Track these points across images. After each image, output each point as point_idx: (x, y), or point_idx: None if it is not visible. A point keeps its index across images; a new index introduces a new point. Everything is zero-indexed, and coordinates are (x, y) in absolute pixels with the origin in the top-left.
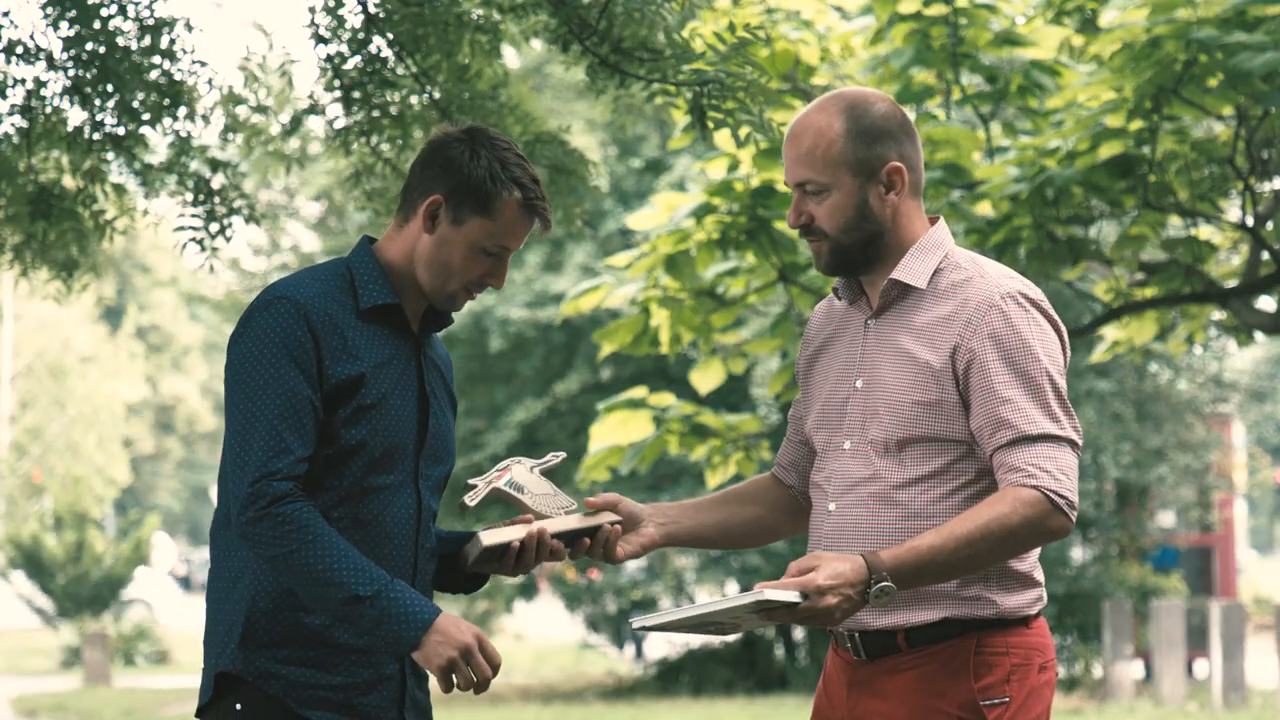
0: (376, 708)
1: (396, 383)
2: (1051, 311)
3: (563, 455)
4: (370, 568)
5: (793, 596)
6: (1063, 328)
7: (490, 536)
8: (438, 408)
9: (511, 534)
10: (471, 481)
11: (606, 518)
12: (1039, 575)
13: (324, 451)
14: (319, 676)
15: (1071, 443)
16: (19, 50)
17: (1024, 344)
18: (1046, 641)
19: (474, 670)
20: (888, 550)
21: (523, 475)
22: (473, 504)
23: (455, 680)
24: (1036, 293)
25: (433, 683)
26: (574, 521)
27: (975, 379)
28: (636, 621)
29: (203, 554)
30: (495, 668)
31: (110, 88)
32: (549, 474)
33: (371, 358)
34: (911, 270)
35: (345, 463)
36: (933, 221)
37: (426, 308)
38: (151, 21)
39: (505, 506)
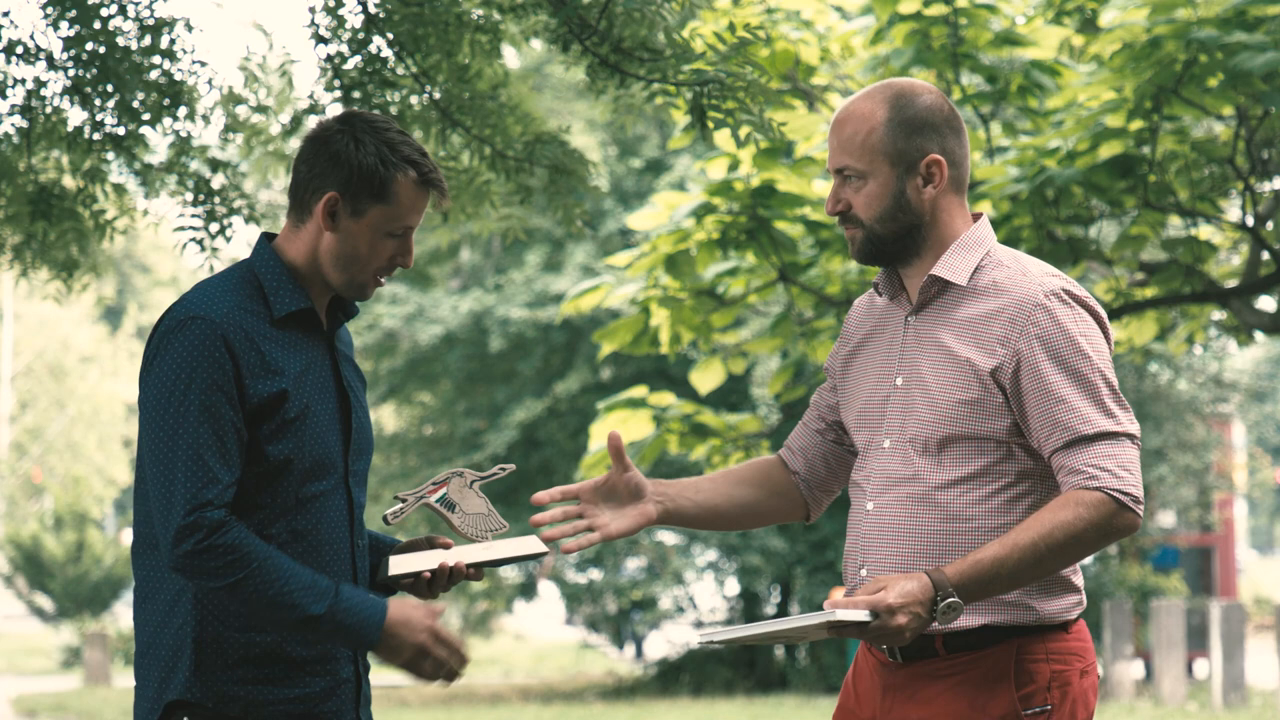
0: (335, 713)
1: (317, 388)
2: (1096, 306)
3: (510, 468)
4: (318, 581)
5: (863, 616)
6: (1106, 321)
7: (398, 564)
8: (356, 402)
9: (421, 564)
10: (401, 495)
11: (535, 548)
12: (1079, 579)
13: (253, 469)
14: (279, 692)
15: (1130, 436)
16: (19, 50)
17: (1073, 343)
18: (1086, 645)
19: (437, 663)
20: (951, 565)
21: (459, 491)
22: (394, 521)
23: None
24: (1079, 289)
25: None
26: (498, 550)
27: (1026, 381)
28: (703, 635)
29: None
30: (459, 658)
31: (110, 88)
32: (489, 488)
33: (292, 369)
34: (952, 266)
35: (277, 478)
36: (975, 218)
37: (331, 300)
38: (151, 21)
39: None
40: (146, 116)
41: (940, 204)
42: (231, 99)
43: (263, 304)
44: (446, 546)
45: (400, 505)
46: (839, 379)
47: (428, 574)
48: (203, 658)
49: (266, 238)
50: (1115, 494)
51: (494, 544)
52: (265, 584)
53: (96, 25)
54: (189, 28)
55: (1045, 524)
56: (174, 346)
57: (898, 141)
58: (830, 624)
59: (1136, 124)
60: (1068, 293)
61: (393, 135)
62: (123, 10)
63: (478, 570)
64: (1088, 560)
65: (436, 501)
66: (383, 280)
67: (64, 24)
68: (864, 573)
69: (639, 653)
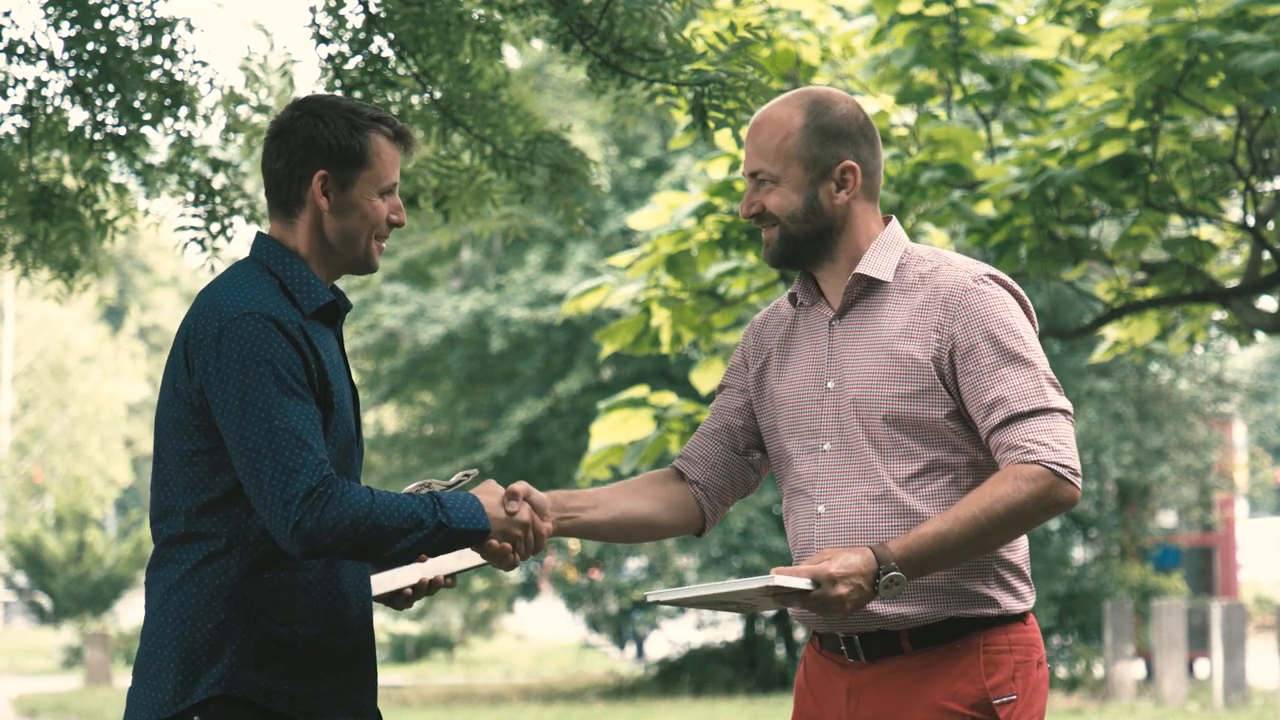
0: (368, 702)
1: (342, 380)
2: (1020, 291)
3: (474, 473)
4: (415, 498)
5: (804, 584)
6: (1030, 304)
7: (380, 583)
8: (358, 397)
9: (401, 581)
10: None
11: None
12: (1028, 570)
13: None
14: (322, 684)
15: (1064, 412)
16: (20, 50)
17: (1004, 323)
18: (1039, 637)
19: (526, 546)
20: (895, 541)
21: None
22: None
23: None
24: (1002, 274)
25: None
26: (470, 557)
27: (962, 364)
28: (652, 595)
29: None
30: (541, 536)
31: (111, 88)
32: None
33: (328, 360)
34: (876, 264)
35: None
36: (886, 221)
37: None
38: (153, 21)
39: None
40: (147, 116)
41: (854, 210)
42: (232, 99)
43: (289, 300)
44: (423, 559)
45: None
46: (755, 394)
47: (409, 590)
48: (248, 653)
49: (267, 236)
50: (1053, 466)
51: (466, 552)
52: (385, 522)
53: (97, 25)
54: (190, 28)
55: (986, 497)
56: (236, 341)
57: (812, 147)
58: (770, 588)
59: (1137, 124)
60: (993, 277)
61: (350, 103)
62: (124, 10)
63: (453, 578)
64: (1087, 559)
65: None
66: (383, 244)
67: (65, 24)
68: None
69: (640, 653)
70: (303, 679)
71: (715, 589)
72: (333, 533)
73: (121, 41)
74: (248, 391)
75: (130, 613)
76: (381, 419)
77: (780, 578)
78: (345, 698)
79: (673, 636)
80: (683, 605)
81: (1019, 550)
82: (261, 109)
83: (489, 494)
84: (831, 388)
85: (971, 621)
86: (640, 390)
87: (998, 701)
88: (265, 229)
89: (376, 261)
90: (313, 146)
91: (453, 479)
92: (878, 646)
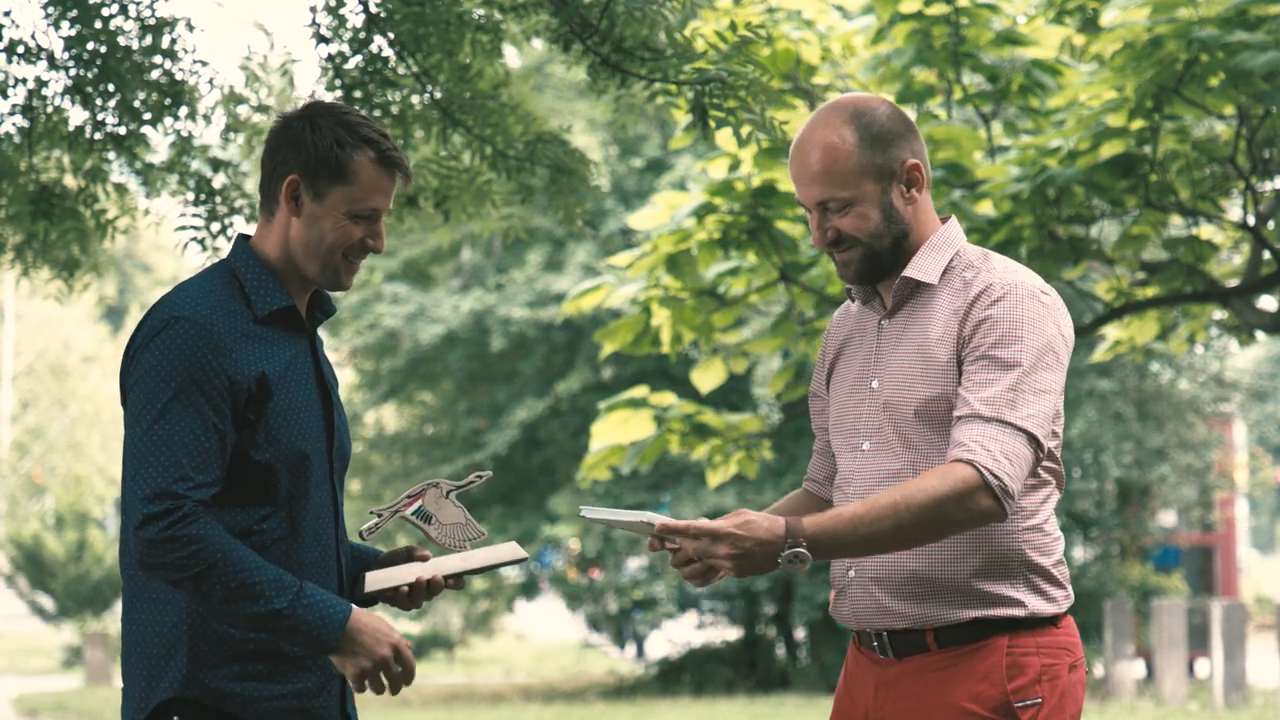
0: (326, 709)
1: (300, 384)
2: (1055, 305)
3: (486, 475)
4: (282, 576)
5: (679, 523)
6: (1066, 321)
7: (374, 581)
8: (337, 400)
9: (399, 578)
10: (376, 510)
11: (513, 555)
12: (1063, 573)
13: (242, 467)
14: (274, 688)
15: (1027, 435)
16: (20, 50)
17: (1010, 330)
18: (1075, 640)
19: (387, 680)
20: (811, 518)
21: (435, 503)
22: (369, 538)
23: (368, 685)
24: (1045, 285)
25: None
26: (475, 559)
27: (964, 362)
28: (585, 510)
29: None
30: (410, 677)
31: (111, 87)
32: (465, 497)
33: (275, 366)
34: (923, 267)
35: (267, 475)
36: (944, 220)
37: (310, 298)
38: (153, 21)
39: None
40: (148, 116)
41: (920, 206)
42: (232, 98)
43: (244, 303)
44: (425, 558)
45: (376, 520)
46: (824, 391)
47: (405, 589)
48: (198, 655)
49: (243, 238)
50: (984, 471)
51: (472, 553)
52: (229, 575)
53: (97, 25)
54: (190, 27)
55: (910, 487)
56: (158, 347)
57: (875, 158)
58: (644, 523)
59: (1138, 123)
60: (1027, 286)
61: (351, 118)
62: (124, 10)
63: (458, 580)
64: (1087, 559)
65: (412, 514)
66: (356, 265)
67: (65, 24)
68: (851, 574)
69: (640, 652)
70: (256, 682)
71: (622, 516)
72: (171, 553)
73: (121, 41)
74: (145, 393)
75: None
76: (381, 419)
77: (659, 517)
78: (301, 703)
79: (673, 636)
80: (607, 525)
81: (1052, 554)
82: (261, 109)
83: (380, 624)
84: (875, 387)
85: (997, 623)
86: (640, 390)
87: (1019, 705)
88: None
89: (343, 281)
90: (295, 149)
91: (465, 480)
92: (904, 644)
